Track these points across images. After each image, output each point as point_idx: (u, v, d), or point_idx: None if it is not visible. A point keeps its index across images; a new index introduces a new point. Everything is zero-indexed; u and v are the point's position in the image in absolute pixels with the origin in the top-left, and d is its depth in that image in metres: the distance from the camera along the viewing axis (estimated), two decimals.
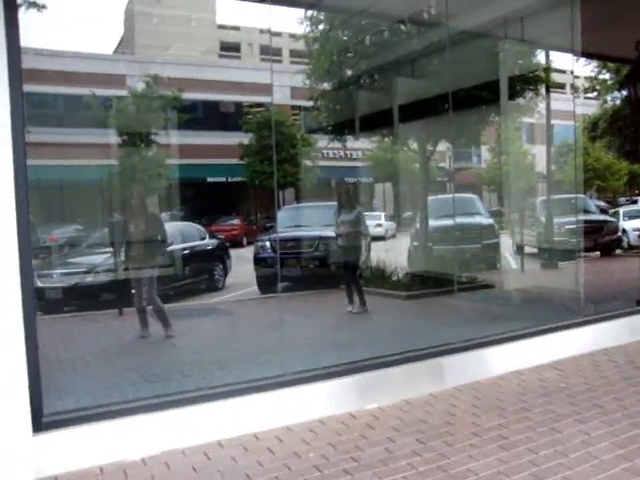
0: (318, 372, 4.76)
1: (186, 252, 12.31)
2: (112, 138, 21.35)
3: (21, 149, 3.76)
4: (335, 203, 13.65)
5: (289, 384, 4.59)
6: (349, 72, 10.95)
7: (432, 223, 12.10)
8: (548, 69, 11.29)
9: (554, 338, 6.01)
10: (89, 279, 10.15)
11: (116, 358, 6.73)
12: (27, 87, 3.91)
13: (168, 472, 3.85)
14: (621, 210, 17.33)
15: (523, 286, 10.43)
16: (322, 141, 25.03)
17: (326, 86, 11.52)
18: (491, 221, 13.00)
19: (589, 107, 20.12)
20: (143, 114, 22.07)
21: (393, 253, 12.64)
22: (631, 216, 16.43)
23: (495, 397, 4.98)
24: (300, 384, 4.61)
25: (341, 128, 13.52)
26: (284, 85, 25.14)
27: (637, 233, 15.25)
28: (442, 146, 14.80)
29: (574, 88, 8.57)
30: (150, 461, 4.00)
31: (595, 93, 14.11)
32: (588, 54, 8.96)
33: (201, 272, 12.40)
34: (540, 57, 11.84)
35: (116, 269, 10.14)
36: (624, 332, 6.50)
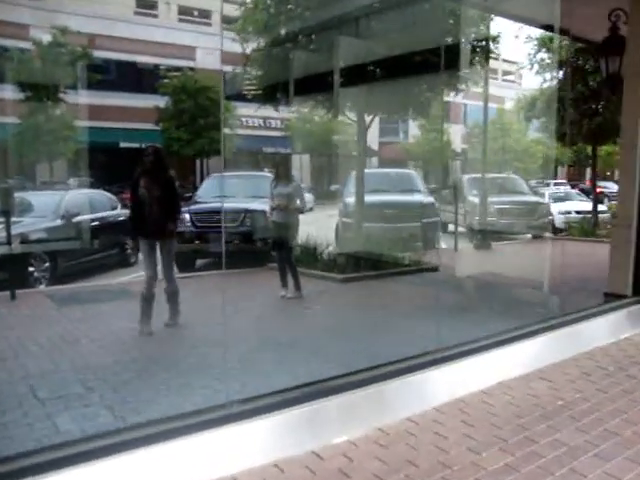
0: (263, 401, 3.45)
1: (95, 223, 10.62)
2: (13, 94, 18.93)
3: None
4: (260, 173, 12.23)
5: (223, 421, 3.26)
6: (285, 29, 9.53)
7: (366, 199, 11.01)
8: (495, 40, 10.34)
9: (533, 344, 5.01)
10: None
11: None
12: None
13: None
14: (547, 192, 16.90)
15: (468, 269, 9.57)
16: (244, 109, 23.46)
17: (259, 44, 10.02)
18: (431, 199, 12.05)
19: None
20: (49, 69, 19.67)
21: (316, 228, 11.44)
22: (556, 199, 16.02)
23: (489, 422, 3.90)
24: (239, 420, 3.30)
25: (269, 94, 12.07)
26: (209, 47, 23.28)
27: (562, 216, 14.79)
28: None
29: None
30: None
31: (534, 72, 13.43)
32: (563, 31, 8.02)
33: (111, 246, 10.76)
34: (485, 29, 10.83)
35: (8, 242, 8.40)
36: (603, 332, 5.62)
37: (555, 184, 19.97)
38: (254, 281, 9.32)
